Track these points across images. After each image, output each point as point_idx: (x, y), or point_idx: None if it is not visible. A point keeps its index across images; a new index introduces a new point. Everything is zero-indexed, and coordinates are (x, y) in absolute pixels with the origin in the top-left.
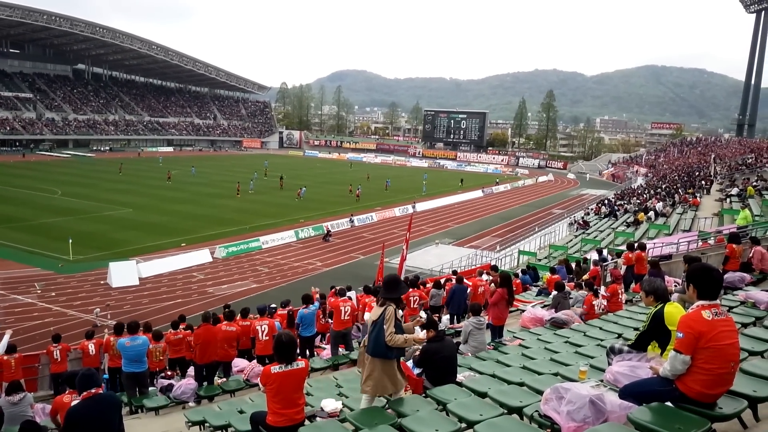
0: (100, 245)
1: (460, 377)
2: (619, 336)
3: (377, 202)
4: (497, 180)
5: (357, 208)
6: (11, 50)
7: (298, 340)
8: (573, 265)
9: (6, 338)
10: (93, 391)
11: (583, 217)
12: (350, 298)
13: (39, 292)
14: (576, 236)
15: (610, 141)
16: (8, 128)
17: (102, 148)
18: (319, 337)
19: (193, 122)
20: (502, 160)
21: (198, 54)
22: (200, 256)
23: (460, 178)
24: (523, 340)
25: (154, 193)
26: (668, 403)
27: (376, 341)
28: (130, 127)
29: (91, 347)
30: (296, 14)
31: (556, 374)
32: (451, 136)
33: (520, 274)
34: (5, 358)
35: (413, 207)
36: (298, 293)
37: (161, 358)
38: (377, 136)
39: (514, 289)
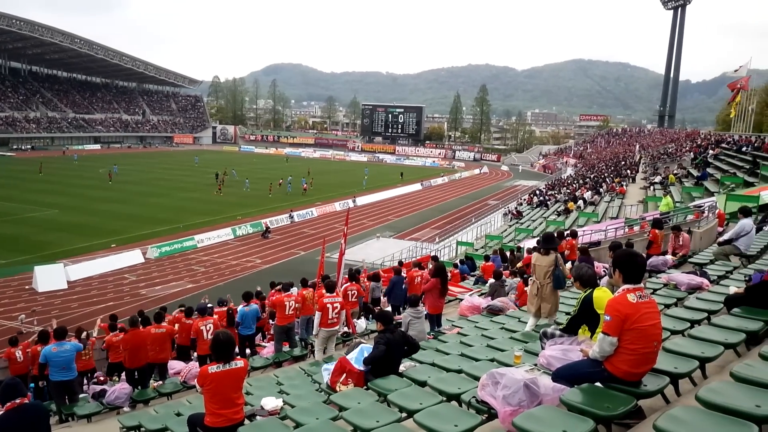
0: (23, 248)
1: (401, 368)
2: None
3: (317, 197)
4: (442, 174)
5: (297, 204)
6: None
7: (237, 339)
8: (508, 253)
9: None
10: (18, 401)
11: (516, 208)
12: (293, 293)
13: None
14: (510, 226)
15: (541, 133)
16: None
17: (23, 147)
18: (259, 335)
19: (121, 118)
20: (440, 154)
21: (126, 48)
22: (131, 257)
23: (400, 172)
24: (461, 328)
25: (80, 193)
26: (598, 384)
27: (558, 278)
28: (53, 125)
29: (19, 354)
30: (228, 5)
31: (492, 360)
32: (390, 130)
33: (459, 264)
34: None
35: (353, 201)
36: (237, 292)
37: (89, 355)
38: (315, 131)
39: (450, 278)
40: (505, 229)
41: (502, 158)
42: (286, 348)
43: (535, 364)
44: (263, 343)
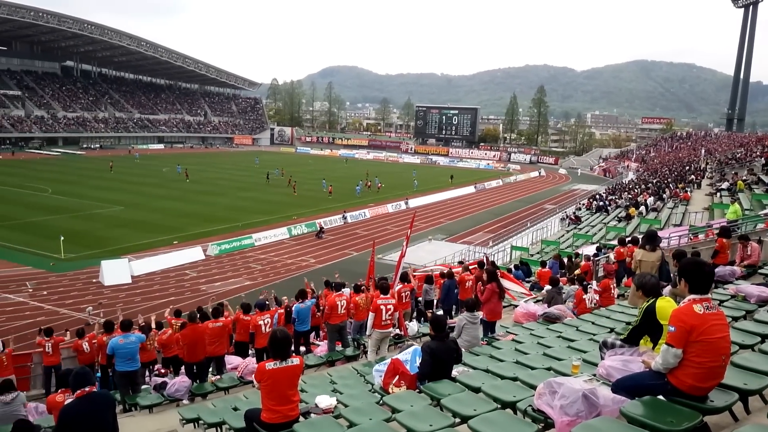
0: (91, 243)
1: (454, 372)
2: (611, 330)
3: (371, 198)
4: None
5: (349, 205)
6: None
7: (293, 337)
8: (565, 260)
9: None
10: (87, 389)
11: (574, 213)
12: (345, 293)
13: (30, 290)
14: (568, 231)
15: (601, 136)
16: None
17: (92, 146)
18: (313, 333)
19: (184, 119)
20: (494, 156)
21: (188, 50)
22: (193, 254)
23: (450, 175)
24: (516, 335)
25: (144, 191)
26: (660, 397)
27: (667, 273)
28: (120, 125)
29: (86, 345)
30: (287, 10)
31: (549, 369)
32: (443, 132)
33: (513, 270)
34: None
35: (406, 203)
36: (291, 290)
37: (154, 346)
38: (369, 133)
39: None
40: (563, 235)
41: (559, 161)
42: (338, 347)
43: (594, 375)
44: (317, 342)
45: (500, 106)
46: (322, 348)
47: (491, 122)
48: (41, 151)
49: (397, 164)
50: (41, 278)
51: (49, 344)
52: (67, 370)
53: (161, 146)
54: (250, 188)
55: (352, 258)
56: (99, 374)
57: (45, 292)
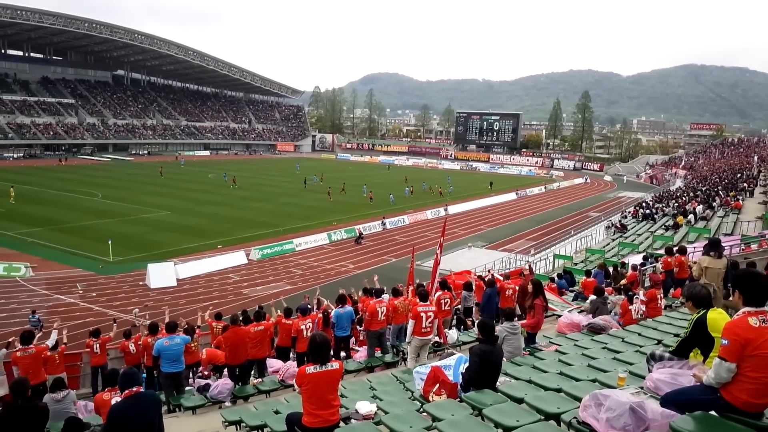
0: (138, 247)
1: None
2: (659, 342)
3: (409, 204)
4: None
5: (389, 211)
6: (54, 57)
7: (332, 341)
8: (610, 269)
9: (54, 335)
10: (134, 389)
11: (620, 221)
12: (384, 300)
13: (81, 292)
14: (613, 240)
15: (648, 142)
16: (51, 133)
17: (141, 152)
18: (352, 339)
19: (229, 126)
20: (537, 162)
21: (231, 59)
22: (236, 258)
23: (489, 182)
24: (559, 345)
25: (191, 196)
26: (712, 412)
27: (727, 280)
28: (167, 132)
29: (132, 346)
30: (329, 18)
31: (594, 381)
32: (484, 138)
33: (556, 278)
34: (49, 353)
35: (445, 210)
36: (332, 295)
37: (197, 347)
38: (409, 139)
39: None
40: (608, 243)
41: (605, 168)
42: (378, 353)
43: (642, 387)
44: (356, 347)
45: (543, 112)
46: (361, 354)
47: (533, 128)
48: (92, 157)
49: (436, 170)
50: (91, 280)
51: (97, 344)
52: (113, 370)
53: (207, 153)
54: (292, 194)
55: (391, 264)
56: (144, 375)
57: (94, 294)
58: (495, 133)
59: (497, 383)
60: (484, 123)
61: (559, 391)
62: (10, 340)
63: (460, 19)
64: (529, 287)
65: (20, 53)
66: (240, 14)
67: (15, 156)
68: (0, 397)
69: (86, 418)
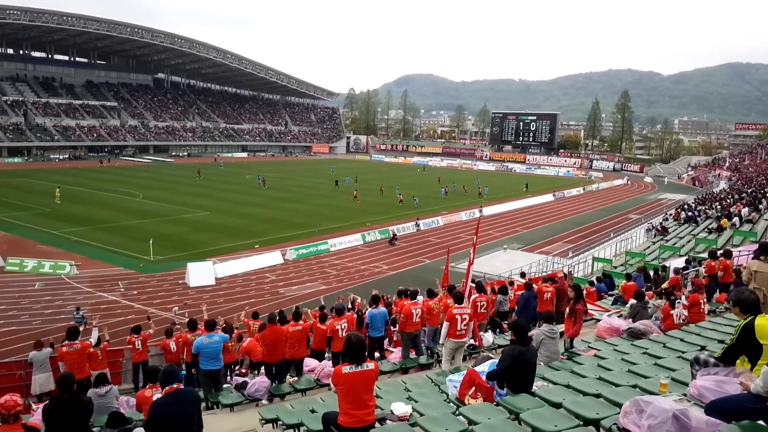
0: (178, 246)
1: (533, 387)
2: (702, 348)
3: (444, 205)
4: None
5: (423, 212)
6: (98, 61)
7: (367, 342)
8: (651, 273)
9: (95, 333)
10: (175, 386)
11: (661, 223)
12: (419, 302)
13: (122, 290)
14: (654, 243)
15: (690, 143)
16: (95, 135)
17: (181, 154)
18: (386, 340)
19: (266, 128)
20: (575, 163)
21: (267, 61)
22: (272, 258)
23: (525, 183)
24: (598, 350)
25: (228, 197)
26: (761, 422)
27: None
28: (206, 134)
29: (173, 344)
30: (364, 20)
31: (634, 386)
32: (520, 138)
33: (595, 282)
34: (92, 349)
35: (480, 211)
36: (365, 296)
37: (235, 347)
38: (443, 140)
39: (585, 296)
40: (648, 246)
41: (645, 169)
42: (412, 355)
43: (685, 394)
44: (390, 348)
45: (581, 112)
46: (395, 355)
47: (571, 128)
48: (134, 159)
49: (471, 171)
50: (132, 278)
51: (138, 341)
52: (154, 367)
53: (245, 155)
54: (326, 195)
55: (425, 265)
56: (183, 372)
57: (135, 292)
58: (531, 134)
59: (534, 387)
60: (521, 123)
61: (598, 396)
62: (53, 338)
63: (497, 19)
64: (570, 292)
65: (66, 58)
66: (276, 17)
67: (61, 157)
68: (47, 392)
69: (128, 413)
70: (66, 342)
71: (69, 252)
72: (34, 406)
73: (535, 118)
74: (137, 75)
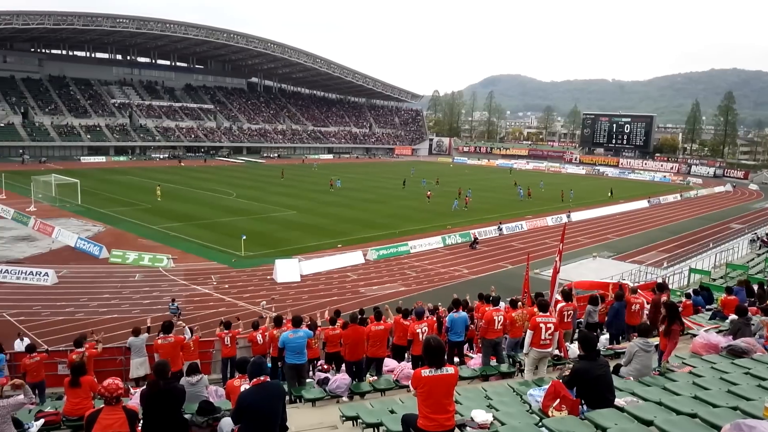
0: (267, 243)
1: (621, 402)
2: None
3: (528, 210)
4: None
5: (506, 216)
6: (196, 66)
7: (446, 346)
8: (755, 287)
9: (188, 332)
10: (262, 378)
11: (767, 234)
12: (501, 308)
13: (215, 284)
14: (759, 255)
15: None
16: (193, 136)
17: (271, 155)
18: (466, 345)
19: (351, 131)
20: (672, 168)
21: (352, 64)
22: (354, 258)
23: (609, 189)
24: (694, 367)
25: (315, 198)
26: None
27: None
28: (295, 136)
29: (259, 337)
30: (450, 21)
31: (735, 408)
32: (613, 141)
33: (692, 295)
34: (185, 341)
35: (568, 216)
36: (445, 299)
37: (317, 344)
38: (530, 142)
39: (681, 310)
40: (752, 258)
41: (750, 175)
42: (493, 362)
43: None
44: (470, 354)
45: (680, 114)
46: (475, 361)
47: (669, 131)
48: (228, 159)
49: (558, 175)
50: (224, 273)
51: (228, 337)
52: (243, 358)
53: (330, 156)
54: (408, 197)
55: (507, 271)
56: (269, 365)
57: (226, 286)
58: (625, 136)
59: (622, 402)
60: (614, 125)
61: (693, 416)
62: (149, 325)
63: (589, 16)
64: (663, 309)
65: (168, 62)
66: (360, 22)
67: (161, 156)
68: (143, 376)
69: (216, 402)
70: (161, 335)
71: (167, 246)
72: (132, 390)
73: (629, 119)
74: (232, 79)
